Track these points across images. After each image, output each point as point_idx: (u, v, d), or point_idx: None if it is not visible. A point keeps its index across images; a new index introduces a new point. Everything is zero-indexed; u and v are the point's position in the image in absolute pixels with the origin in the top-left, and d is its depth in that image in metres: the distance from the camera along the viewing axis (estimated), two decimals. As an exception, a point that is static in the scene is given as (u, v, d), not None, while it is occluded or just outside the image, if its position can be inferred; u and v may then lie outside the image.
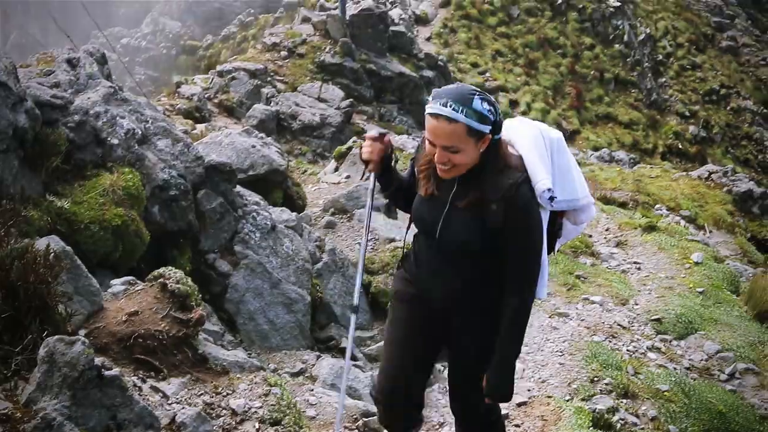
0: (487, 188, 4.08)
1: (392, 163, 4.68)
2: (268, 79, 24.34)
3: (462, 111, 3.88)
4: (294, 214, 10.18)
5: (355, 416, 6.71)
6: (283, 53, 26.56)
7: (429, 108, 3.96)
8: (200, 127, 19.05)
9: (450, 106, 3.89)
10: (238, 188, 9.35)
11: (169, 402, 5.78)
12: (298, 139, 22.35)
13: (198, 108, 21.23)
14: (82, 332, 5.75)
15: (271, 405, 6.22)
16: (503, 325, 4.25)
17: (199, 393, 6.04)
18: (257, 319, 8.33)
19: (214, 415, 5.96)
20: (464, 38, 40.56)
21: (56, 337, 4.54)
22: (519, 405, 7.58)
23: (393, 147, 4.66)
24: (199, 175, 8.51)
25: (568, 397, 7.83)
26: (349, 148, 16.71)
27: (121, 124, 7.82)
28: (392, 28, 28.75)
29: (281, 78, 25.25)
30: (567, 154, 4.40)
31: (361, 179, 5.04)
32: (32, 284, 5.25)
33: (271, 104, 22.73)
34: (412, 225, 4.63)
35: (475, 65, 39.04)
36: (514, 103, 37.02)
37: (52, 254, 5.54)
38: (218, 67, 25.02)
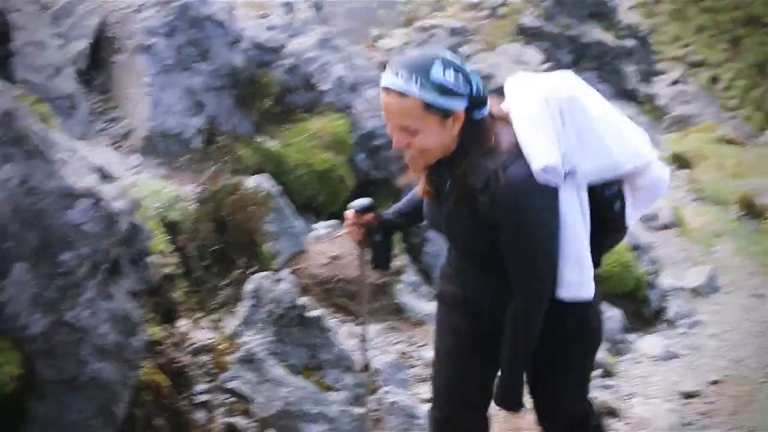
0: (470, 178, 3.17)
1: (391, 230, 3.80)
2: (468, 37, 24.19)
3: (416, 81, 2.98)
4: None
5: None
6: (484, 13, 26.32)
7: (381, 80, 3.10)
8: (397, 82, 19.16)
9: (401, 77, 2.99)
10: (441, 143, 9.32)
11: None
12: (493, 100, 22.26)
13: (396, 63, 21.36)
14: (285, 272, 5.84)
15: (464, 361, 6.18)
16: (505, 328, 3.35)
17: (395, 341, 6.06)
18: (452, 274, 8.28)
19: (407, 364, 5.97)
20: (668, 10, 39.38)
21: (263, 273, 4.62)
22: (712, 383, 7.36)
23: (382, 220, 3.72)
24: (405, 126, 8.51)
25: (763, 380, 7.53)
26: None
27: (332, 71, 7.89)
28: (595, -6, 28.10)
29: (480, 38, 25.09)
30: (585, 113, 3.33)
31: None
32: (241, 220, 5.37)
33: (469, 63, 22.67)
34: None
35: (677, 38, 37.86)
36: (715, 79, 35.74)
37: (262, 193, 5.65)
38: (417, 23, 24.99)
